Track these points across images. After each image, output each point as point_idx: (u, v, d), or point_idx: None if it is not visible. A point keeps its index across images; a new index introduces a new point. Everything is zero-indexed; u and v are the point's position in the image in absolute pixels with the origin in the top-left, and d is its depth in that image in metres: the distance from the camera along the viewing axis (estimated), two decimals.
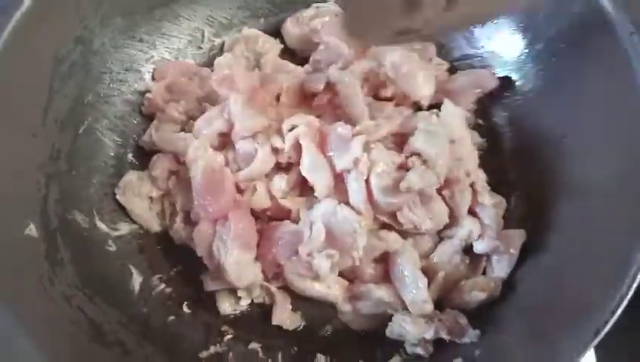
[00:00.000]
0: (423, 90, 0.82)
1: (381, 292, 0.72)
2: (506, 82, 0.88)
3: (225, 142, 0.81)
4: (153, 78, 0.92)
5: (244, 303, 0.78)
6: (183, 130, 0.87)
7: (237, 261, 0.72)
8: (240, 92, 0.79)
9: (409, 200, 0.72)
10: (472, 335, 0.67)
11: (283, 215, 0.77)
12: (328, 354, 0.75)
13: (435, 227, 0.74)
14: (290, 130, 0.77)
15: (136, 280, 0.78)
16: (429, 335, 0.68)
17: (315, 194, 0.75)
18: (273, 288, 0.77)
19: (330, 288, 0.75)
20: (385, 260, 0.75)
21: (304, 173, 0.75)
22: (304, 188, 0.78)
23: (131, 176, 0.84)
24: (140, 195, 0.83)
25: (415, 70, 0.82)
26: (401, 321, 0.70)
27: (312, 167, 0.75)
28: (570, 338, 0.59)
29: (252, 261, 0.74)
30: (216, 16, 0.97)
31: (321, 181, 0.75)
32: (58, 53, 0.77)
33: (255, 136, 0.78)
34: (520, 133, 0.85)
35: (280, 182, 0.77)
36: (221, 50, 0.96)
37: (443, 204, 0.74)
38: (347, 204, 0.74)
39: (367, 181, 0.73)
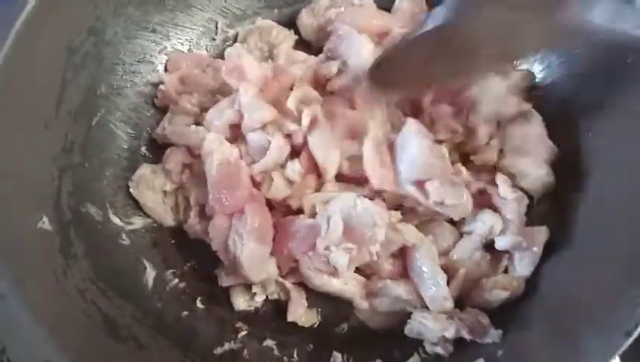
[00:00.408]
0: None
1: (399, 289, 0.71)
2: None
3: (237, 134, 0.79)
4: (166, 70, 0.91)
5: (259, 299, 0.77)
6: (196, 122, 0.86)
7: (252, 254, 0.71)
8: (250, 82, 0.78)
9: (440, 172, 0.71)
10: (494, 335, 0.65)
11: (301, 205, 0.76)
12: (345, 352, 0.74)
13: (461, 210, 0.72)
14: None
15: (150, 274, 0.78)
16: (450, 334, 0.66)
17: (325, 174, 0.74)
18: (288, 284, 0.76)
19: (347, 284, 0.73)
20: (403, 255, 0.73)
21: (312, 149, 0.74)
22: (317, 171, 0.77)
23: (145, 170, 0.83)
24: (153, 189, 0.82)
25: None
26: (421, 318, 0.68)
27: (323, 144, 0.74)
28: (597, 340, 0.57)
29: (268, 255, 0.73)
30: (230, 7, 0.96)
31: (330, 159, 0.74)
32: (71, 44, 0.76)
33: (265, 127, 0.76)
34: None
35: (293, 167, 0.75)
36: (235, 42, 0.95)
37: (468, 193, 0.72)
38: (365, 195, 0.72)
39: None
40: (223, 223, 0.73)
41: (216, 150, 0.74)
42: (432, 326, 0.67)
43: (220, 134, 0.77)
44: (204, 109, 0.85)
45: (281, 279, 0.75)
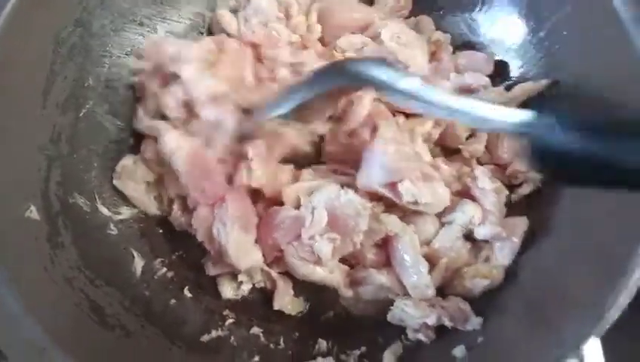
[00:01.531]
0: (418, 58, 0.85)
1: (382, 278, 0.72)
2: (501, 67, 0.88)
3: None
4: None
5: (246, 288, 0.78)
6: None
7: (237, 242, 0.72)
8: (190, 61, 0.78)
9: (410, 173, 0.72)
10: (474, 322, 0.67)
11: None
12: (330, 339, 0.75)
13: (436, 206, 0.74)
14: None
15: (138, 263, 0.78)
16: (431, 321, 0.68)
17: None
18: (274, 273, 0.77)
19: (332, 273, 0.74)
20: (386, 245, 0.75)
21: None
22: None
23: (127, 161, 0.84)
24: (135, 179, 0.83)
25: (411, 40, 0.84)
26: (403, 306, 0.70)
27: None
28: (573, 325, 0.59)
29: (252, 242, 0.74)
30: (217, 1, 0.96)
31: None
32: (58, 36, 0.76)
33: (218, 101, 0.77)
34: None
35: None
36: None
37: (444, 186, 0.74)
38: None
39: None
40: (205, 214, 0.74)
41: (178, 148, 0.75)
42: (414, 313, 0.69)
43: (175, 127, 0.78)
44: None
45: (267, 268, 0.76)
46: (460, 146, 0.80)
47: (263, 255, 0.75)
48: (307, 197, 0.74)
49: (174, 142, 0.75)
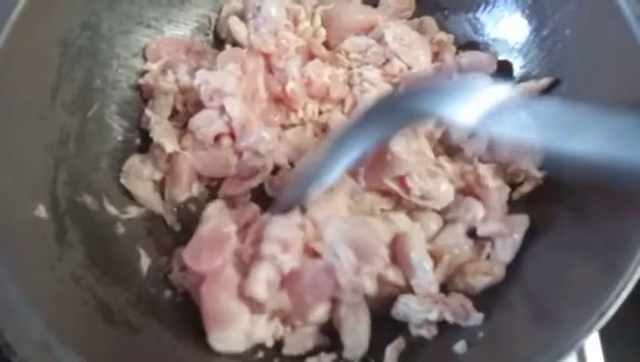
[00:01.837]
0: (421, 58, 0.86)
1: (390, 275, 0.72)
2: (504, 66, 0.88)
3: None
4: (145, 58, 0.92)
5: None
6: (175, 110, 0.88)
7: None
8: (232, 95, 0.80)
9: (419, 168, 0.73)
10: (476, 318, 0.68)
11: None
12: (332, 335, 0.76)
13: (442, 201, 0.75)
14: None
15: (145, 262, 0.79)
16: (433, 316, 0.68)
17: None
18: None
19: None
20: (393, 243, 0.75)
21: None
22: None
23: (134, 160, 0.85)
24: (142, 178, 0.84)
25: (414, 41, 0.85)
26: (407, 300, 0.70)
27: None
28: (574, 320, 0.59)
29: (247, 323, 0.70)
30: (223, 3, 0.97)
31: None
32: (66, 38, 0.78)
33: None
34: None
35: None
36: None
37: (448, 182, 0.75)
38: None
39: None
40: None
41: (214, 218, 0.74)
42: (417, 308, 0.69)
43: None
44: (183, 89, 0.87)
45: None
46: (462, 145, 0.81)
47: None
48: (319, 243, 0.71)
49: (216, 213, 0.75)
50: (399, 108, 0.68)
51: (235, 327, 0.68)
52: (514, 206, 0.78)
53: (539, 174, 0.77)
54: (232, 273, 0.70)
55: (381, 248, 0.70)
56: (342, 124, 0.81)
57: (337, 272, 0.68)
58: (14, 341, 0.56)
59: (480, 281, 0.71)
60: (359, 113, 0.72)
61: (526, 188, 0.78)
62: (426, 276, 0.71)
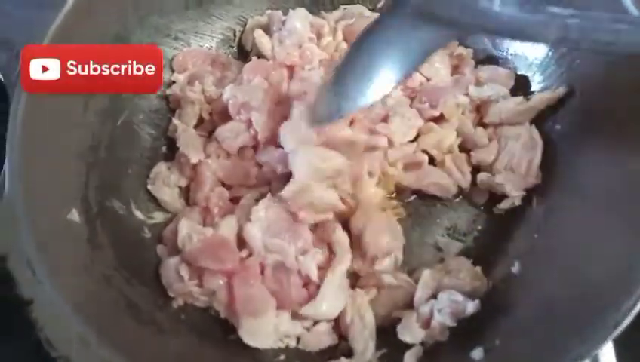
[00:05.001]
0: (441, 72, 0.89)
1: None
2: (523, 82, 0.90)
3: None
4: (172, 70, 0.95)
5: None
6: (201, 119, 0.90)
7: (247, 328, 0.72)
8: (259, 109, 0.82)
9: None
10: (471, 306, 0.70)
11: None
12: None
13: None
14: None
15: None
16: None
17: None
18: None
19: None
20: None
21: None
22: None
23: (161, 167, 0.88)
24: (169, 185, 0.87)
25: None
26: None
27: None
28: (591, 329, 0.60)
29: (271, 322, 0.73)
30: (247, 16, 1.00)
31: None
32: None
33: None
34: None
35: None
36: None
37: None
38: None
39: None
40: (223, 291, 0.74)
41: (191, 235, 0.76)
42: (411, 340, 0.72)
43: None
44: (209, 99, 0.90)
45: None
46: (472, 152, 0.84)
47: None
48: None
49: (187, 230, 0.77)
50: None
51: (267, 315, 0.72)
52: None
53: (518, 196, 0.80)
54: (256, 264, 0.74)
55: None
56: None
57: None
58: (54, 336, 0.59)
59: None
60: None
61: (505, 204, 0.82)
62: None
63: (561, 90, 0.83)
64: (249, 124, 0.83)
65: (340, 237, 0.76)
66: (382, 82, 0.60)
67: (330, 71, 0.71)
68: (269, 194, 0.78)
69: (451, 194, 0.85)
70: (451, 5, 0.53)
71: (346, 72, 0.63)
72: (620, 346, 0.68)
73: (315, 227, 0.78)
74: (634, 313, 0.58)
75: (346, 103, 0.64)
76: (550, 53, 0.87)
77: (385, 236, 0.77)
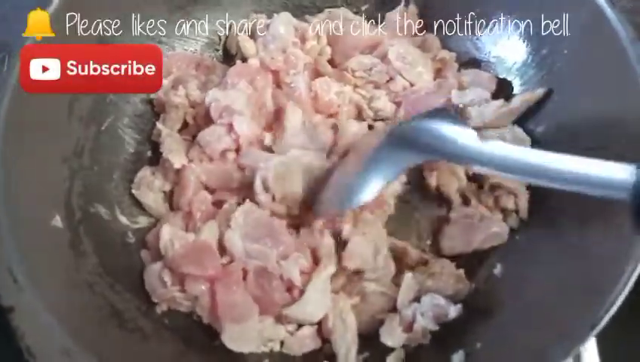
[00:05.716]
0: (423, 76, 0.90)
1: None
2: (504, 85, 0.91)
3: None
4: None
5: None
6: (185, 123, 0.90)
7: (230, 335, 0.73)
8: (241, 113, 0.83)
9: None
10: (454, 310, 0.71)
11: None
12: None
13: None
14: None
15: None
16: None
17: None
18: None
19: None
20: None
21: None
22: None
23: (145, 171, 0.88)
24: (153, 189, 0.86)
25: (417, 59, 0.89)
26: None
27: None
28: (572, 327, 0.61)
29: (254, 327, 0.74)
30: (232, 20, 1.00)
31: None
32: None
33: None
34: None
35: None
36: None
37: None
38: None
39: None
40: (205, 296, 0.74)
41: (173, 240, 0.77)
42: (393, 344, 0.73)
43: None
44: (193, 103, 0.90)
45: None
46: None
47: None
48: None
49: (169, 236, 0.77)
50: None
51: (250, 320, 0.72)
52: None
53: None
54: (238, 269, 0.74)
55: None
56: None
57: None
58: (35, 345, 0.59)
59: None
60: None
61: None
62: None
63: (540, 91, 0.84)
64: (230, 127, 0.83)
65: (327, 242, 0.77)
66: (376, 185, 0.71)
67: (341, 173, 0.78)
68: (247, 200, 0.78)
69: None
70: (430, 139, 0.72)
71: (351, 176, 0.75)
72: (603, 344, 0.69)
73: (296, 232, 0.79)
74: (612, 312, 0.59)
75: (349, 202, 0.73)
76: (531, 57, 0.88)
77: (369, 249, 0.77)
